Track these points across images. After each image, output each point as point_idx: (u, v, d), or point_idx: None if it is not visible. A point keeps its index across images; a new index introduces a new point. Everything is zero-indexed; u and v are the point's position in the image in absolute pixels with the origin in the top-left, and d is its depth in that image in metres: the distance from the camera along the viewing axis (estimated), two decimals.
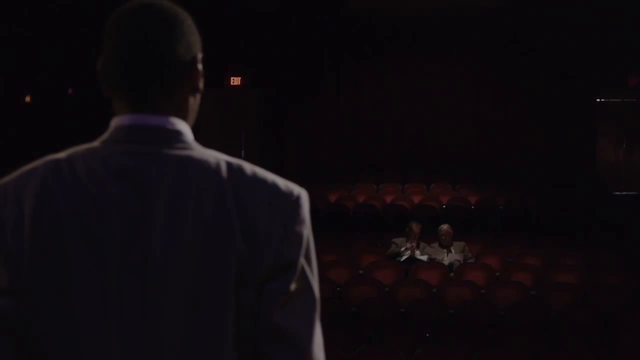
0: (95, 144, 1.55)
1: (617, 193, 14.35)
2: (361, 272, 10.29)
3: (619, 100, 15.30)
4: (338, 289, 9.48)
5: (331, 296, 9.08)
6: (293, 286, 1.51)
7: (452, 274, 10.22)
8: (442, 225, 10.82)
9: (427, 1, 13.90)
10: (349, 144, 15.44)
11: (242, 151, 15.37)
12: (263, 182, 1.54)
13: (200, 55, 1.59)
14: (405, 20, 14.81)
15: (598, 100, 15.36)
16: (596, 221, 12.23)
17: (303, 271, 1.53)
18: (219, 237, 1.47)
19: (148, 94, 1.54)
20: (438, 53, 15.32)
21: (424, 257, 10.58)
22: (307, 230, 1.55)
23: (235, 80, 15.35)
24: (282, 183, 1.56)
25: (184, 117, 1.58)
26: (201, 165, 1.51)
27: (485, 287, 9.58)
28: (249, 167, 1.55)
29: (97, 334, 1.44)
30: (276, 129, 15.70)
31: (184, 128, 1.56)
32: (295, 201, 1.54)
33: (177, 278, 1.46)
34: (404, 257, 10.52)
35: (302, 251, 1.53)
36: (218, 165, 1.52)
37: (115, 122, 1.57)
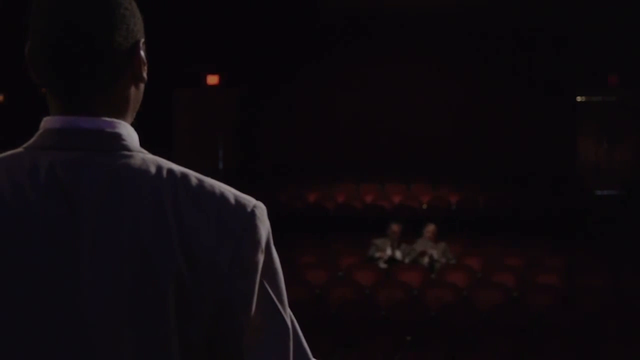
0: (20, 150, 1.33)
1: (599, 192, 14.28)
2: (340, 273, 10.18)
3: (600, 99, 15.24)
4: (317, 291, 9.34)
5: (309, 299, 8.96)
6: (257, 320, 1.30)
7: (433, 275, 10.12)
8: (429, 226, 10.69)
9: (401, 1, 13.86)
10: (327, 143, 15.30)
11: (220, 151, 15.21)
12: (210, 194, 1.31)
13: (142, 40, 1.39)
14: (382, 18, 14.72)
15: (579, 99, 15.29)
16: (578, 221, 12.17)
17: (266, 300, 1.31)
18: (157, 263, 1.25)
19: (80, 89, 1.33)
20: (416, 51, 15.22)
21: (404, 259, 10.47)
22: (263, 254, 1.32)
23: (212, 80, 15.18)
24: (233, 196, 1.32)
25: (123, 113, 1.37)
26: (139, 175, 1.30)
27: (466, 288, 9.48)
28: (194, 177, 1.32)
29: None
30: (253, 128, 15.53)
31: (124, 130, 1.34)
32: (249, 218, 1.31)
33: (110, 314, 1.24)
34: (381, 265, 10.38)
35: (257, 279, 1.30)
36: (159, 176, 1.30)
37: (44, 123, 1.35)
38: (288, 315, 1.35)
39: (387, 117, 15.36)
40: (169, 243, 1.25)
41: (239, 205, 1.31)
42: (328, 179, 14.29)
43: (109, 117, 1.34)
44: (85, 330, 1.23)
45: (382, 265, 10.39)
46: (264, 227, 1.32)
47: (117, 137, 1.33)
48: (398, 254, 10.53)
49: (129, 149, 1.32)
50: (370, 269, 10.24)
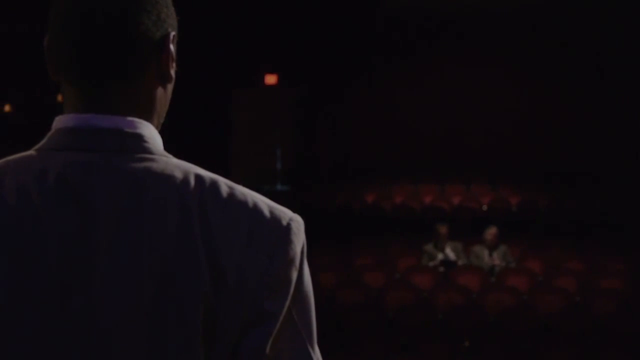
0: (30, 152, 1.20)
1: None
2: (398, 276, 10.07)
3: None
4: (373, 294, 9.26)
5: (365, 302, 8.88)
6: (280, 344, 1.16)
7: (493, 279, 9.97)
8: (491, 228, 10.53)
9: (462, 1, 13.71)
10: (386, 143, 15.19)
11: (278, 150, 15.20)
12: (242, 205, 1.17)
13: (174, 34, 1.24)
14: (443, 18, 14.56)
15: None
16: None
17: (292, 333, 1.17)
18: (182, 278, 1.12)
19: (102, 82, 1.20)
20: (476, 52, 15.03)
21: (458, 259, 10.36)
22: (296, 272, 1.18)
23: (271, 79, 15.17)
24: (268, 207, 1.19)
25: (148, 115, 1.23)
26: (162, 182, 1.15)
27: (527, 293, 9.33)
28: (225, 185, 1.18)
29: None
30: (311, 128, 15.50)
31: (147, 131, 1.20)
32: (284, 233, 1.17)
33: (127, 332, 1.11)
34: (440, 269, 10.27)
35: (288, 302, 1.17)
36: (185, 182, 1.16)
37: (56, 123, 1.21)
38: (317, 356, 1.20)
39: (446, 116, 15.20)
40: (196, 260, 1.12)
41: (274, 218, 1.18)
42: (386, 179, 14.17)
43: (130, 116, 1.20)
44: (101, 348, 1.10)
45: (441, 269, 10.26)
46: (300, 244, 1.19)
47: (138, 138, 1.19)
48: (450, 254, 10.40)
49: (150, 152, 1.18)
50: (428, 271, 10.13)
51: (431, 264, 10.36)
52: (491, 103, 15.14)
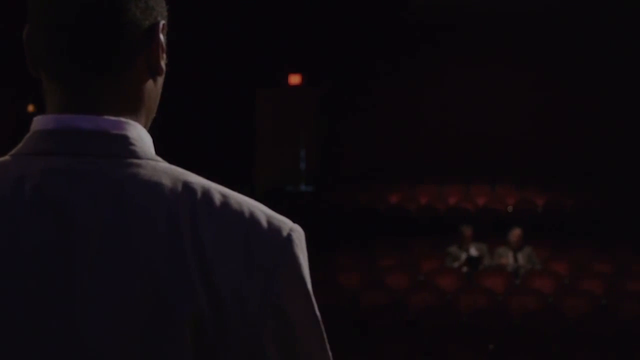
0: (6, 157, 1.10)
1: None
2: (421, 278, 9.99)
3: None
4: (396, 296, 9.19)
5: (388, 304, 8.82)
6: None
7: (517, 281, 9.87)
8: (515, 230, 10.43)
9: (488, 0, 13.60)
10: (410, 144, 15.11)
11: (302, 151, 15.16)
12: (237, 215, 1.06)
13: (163, 22, 1.14)
14: (468, 18, 14.46)
15: None
16: None
17: (299, 346, 1.07)
18: (174, 304, 1.01)
19: (85, 74, 1.09)
20: (501, 52, 14.93)
21: (484, 259, 10.28)
22: (299, 289, 1.07)
23: (294, 79, 15.12)
24: (265, 217, 1.08)
25: (136, 112, 1.13)
26: (150, 190, 1.05)
27: (552, 295, 9.24)
28: (219, 193, 1.08)
29: None
30: (335, 128, 15.44)
31: (134, 132, 1.10)
32: (284, 245, 1.07)
33: (117, 353, 1.01)
34: (464, 270, 10.18)
35: (293, 326, 1.06)
36: (174, 191, 1.06)
37: (35, 123, 1.11)
38: None
39: (471, 116, 15.10)
40: (187, 277, 1.01)
41: (272, 229, 1.07)
42: (411, 180, 14.09)
43: (115, 115, 1.10)
44: None
45: (465, 269, 10.18)
46: (302, 256, 1.08)
47: (124, 141, 1.08)
48: (473, 252, 10.32)
49: (137, 156, 1.08)
50: (452, 273, 10.06)
51: (455, 264, 10.28)
52: (517, 103, 15.03)
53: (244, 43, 13.70)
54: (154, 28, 1.12)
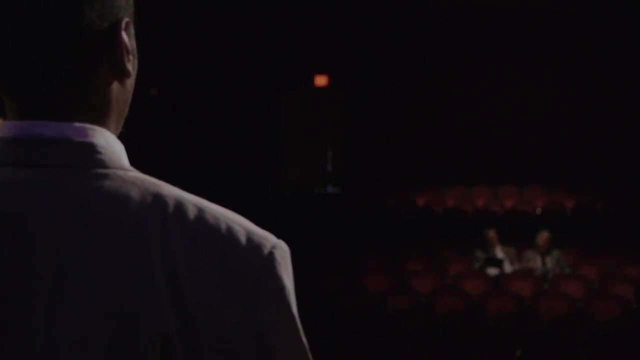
0: None
1: None
2: (448, 282, 9.89)
3: None
4: (422, 300, 9.12)
5: (414, 308, 8.74)
6: None
7: (546, 285, 9.76)
8: (543, 233, 10.32)
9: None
10: (438, 145, 15.01)
11: (328, 152, 15.12)
12: (212, 230, 0.98)
13: (126, 20, 1.05)
14: (496, 18, 14.36)
15: None
16: None
17: None
18: (142, 321, 0.94)
19: (42, 85, 1.01)
20: (531, 52, 14.79)
21: (510, 263, 10.16)
22: (283, 313, 0.99)
23: (321, 80, 15.07)
24: (245, 232, 0.99)
25: (103, 117, 1.04)
26: (117, 204, 0.97)
27: (582, 300, 9.14)
28: (193, 206, 0.99)
29: None
30: (361, 129, 15.37)
31: (100, 139, 1.02)
32: (265, 263, 0.98)
33: None
34: (491, 272, 10.08)
35: (275, 351, 0.97)
36: (143, 204, 0.98)
37: None
38: None
39: (500, 118, 14.98)
40: (155, 294, 0.93)
41: (252, 246, 0.98)
42: (438, 181, 13.99)
43: (80, 121, 1.01)
44: None
45: (492, 271, 10.08)
46: (285, 276, 0.99)
47: (90, 149, 1.00)
48: (500, 254, 10.23)
49: (104, 165, 1.00)
50: (480, 277, 9.96)
51: (477, 265, 10.20)
52: (547, 104, 14.90)
53: (270, 44, 13.66)
54: (115, 30, 1.03)
